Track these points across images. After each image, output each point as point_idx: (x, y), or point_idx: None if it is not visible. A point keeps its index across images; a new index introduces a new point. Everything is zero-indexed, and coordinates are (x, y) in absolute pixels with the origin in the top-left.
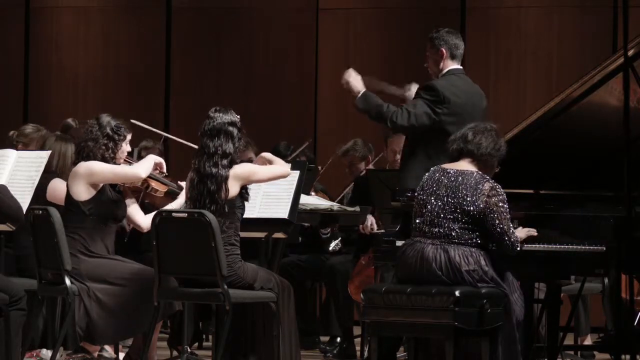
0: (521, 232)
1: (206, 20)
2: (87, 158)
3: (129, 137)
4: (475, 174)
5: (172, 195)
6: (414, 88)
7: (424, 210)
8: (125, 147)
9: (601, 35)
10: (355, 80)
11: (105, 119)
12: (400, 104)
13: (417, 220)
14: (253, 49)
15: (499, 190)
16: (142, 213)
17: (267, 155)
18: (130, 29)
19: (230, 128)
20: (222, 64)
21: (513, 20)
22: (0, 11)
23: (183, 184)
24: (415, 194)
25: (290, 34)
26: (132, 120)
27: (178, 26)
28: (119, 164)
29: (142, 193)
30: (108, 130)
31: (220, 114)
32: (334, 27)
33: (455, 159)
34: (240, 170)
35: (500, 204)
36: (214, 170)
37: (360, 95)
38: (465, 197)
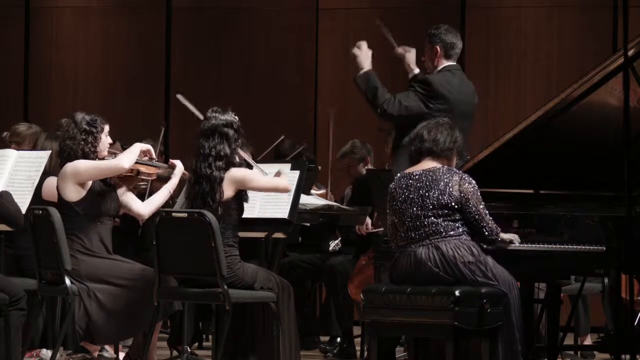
0: (506, 235)
1: (206, 20)
2: (69, 157)
3: (106, 128)
4: (441, 168)
5: (166, 178)
6: (413, 52)
7: (403, 219)
8: (106, 139)
9: (601, 35)
10: (364, 55)
11: (79, 115)
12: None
13: (400, 230)
14: (253, 49)
15: (468, 178)
16: (138, 201)
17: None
18: (130, 29)
19: (225, 129)
20: (222, 64)
21: (513, 20)
22: (0, 11)
23: (176, 161)
24: (388, 206)
25: (290, 34)
26: (178, 96)
27: (178, 26)
28: (103, 157)
29: (148, 184)
30: (84, 125)
31: (217, 115)
32: (334, 27)
33: (415, 160)
34: (238, 174)
35: (473, 191)
36: (208, 171)
37: (362, 72)
38: (438, 190)
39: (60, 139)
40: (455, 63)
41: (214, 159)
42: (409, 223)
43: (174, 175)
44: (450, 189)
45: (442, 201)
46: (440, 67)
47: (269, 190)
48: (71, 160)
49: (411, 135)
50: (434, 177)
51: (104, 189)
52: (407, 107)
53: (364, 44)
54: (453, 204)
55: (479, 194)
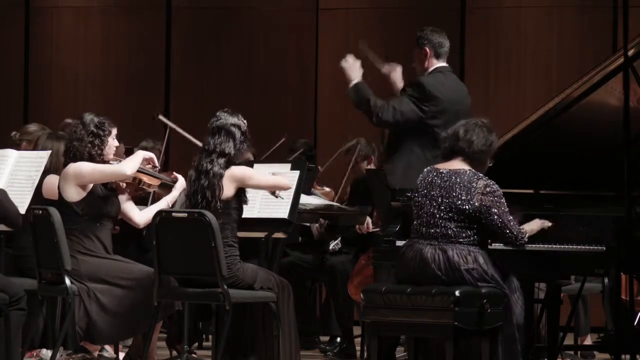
0: (535, 224)
1: (206, 20)
2: (75, 158)
3: (114, 131)
4: (468, 172)
5: (168, 187)
6: (399, 69)
7: (420, 212)
8: (112, 142)
9: (601, 35)
10: (352, 67)
11: (88, 117)
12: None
13: (415, 222)
14: (253, 49)
15: (493, 186)
16: (137, 210)
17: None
18: (130, 29)
19: (233, 128)
20: (222, 64)
21: (513, 20)
22: (0, 11)
23: (178, 176)
24: (412, 196)
25: (290, 34)
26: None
27: (178, 26)
28: (108, 160)
29: (141, 190)
30: (92, 127)
31: (226, 115)
32: (334, 27)
33: (447, 157)
34: (238, 171)
35: (497, 199)
36: (208, 166)
37: (352, 84)
38: (459, 196)
39: (67, 139)
40: (446, 64)
41: (217, 156)
42: (424, 218)
43: (175, 189)
44: (471, 198)
45: (460, 207)
46: (431, 69)
47: (269, 188)
48: (76, 161)
49: (448, 132)
50: (458, 180)
51: (105, 192)
52: (402, 112)
53: (350, 57)
54: (470, 212)
55: (503, 200)
